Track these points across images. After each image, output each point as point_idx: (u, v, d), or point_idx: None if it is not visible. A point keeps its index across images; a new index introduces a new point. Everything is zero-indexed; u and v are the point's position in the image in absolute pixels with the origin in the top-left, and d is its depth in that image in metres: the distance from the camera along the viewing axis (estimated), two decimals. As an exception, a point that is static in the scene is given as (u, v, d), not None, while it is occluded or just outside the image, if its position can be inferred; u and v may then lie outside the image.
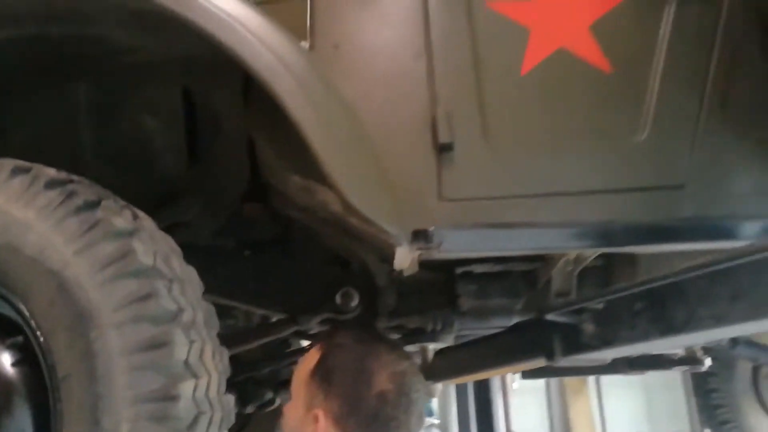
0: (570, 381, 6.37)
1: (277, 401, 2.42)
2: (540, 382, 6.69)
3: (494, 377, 3.60)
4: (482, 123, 1.48)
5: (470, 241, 1.43)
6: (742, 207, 1.45)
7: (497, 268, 1.70)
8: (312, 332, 2.05)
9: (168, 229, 1.27)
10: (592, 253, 1.63)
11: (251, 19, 1.27)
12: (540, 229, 1.44)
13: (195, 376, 0.98)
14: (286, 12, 1.59)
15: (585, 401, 6.57)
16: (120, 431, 0.93)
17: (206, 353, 1.03)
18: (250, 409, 2.38)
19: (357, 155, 1.31)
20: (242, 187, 1.73)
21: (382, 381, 1.46)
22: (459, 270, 1.69)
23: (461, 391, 3.72)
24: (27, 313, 1.02)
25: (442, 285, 1.74)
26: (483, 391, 3.58)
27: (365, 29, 1.57)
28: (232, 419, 1.11)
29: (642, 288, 1.43)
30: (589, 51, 1.53)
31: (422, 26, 1.54)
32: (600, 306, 1.57)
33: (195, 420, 0.98)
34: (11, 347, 1.04)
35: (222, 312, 1.43)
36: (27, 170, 1.12)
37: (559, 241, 1.48)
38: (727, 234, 1.45)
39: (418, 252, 1.37)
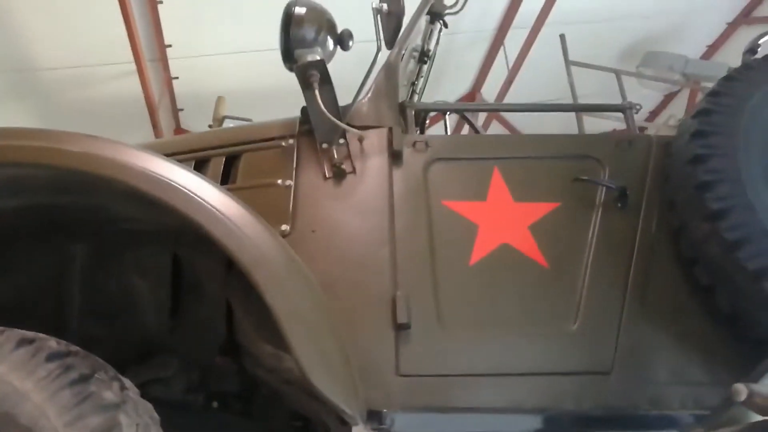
0: None
1: None
2: None
3: None
4: (436, 306, 1.69)
5: (420, 423, 1.57)
6: (662, 395, 1.63)
7: None
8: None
9: (143, 384, 1.38)
10: None
11: (236, 211, 1.47)
12: (484, 415, 1.60)
13: None
14: (272, 197, 1.84)
15: None
16: None
17: None
18: None
19: (323, 339, 1.48)
20: (218, 346, 1.87)
21: None
22: None
23: None
24: None
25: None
26: None
27: (340, 217, 1.81)
28: None
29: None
30: (529, 247, 1.78)
31: (388, 218, 1.79)
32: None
33: None
34: None
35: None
36: (31, 341, 1.26)
37: (500, 426, 1.63)
38: (648, 425, 1.61)
39: (373, 431, 1.51)
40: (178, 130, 6.48)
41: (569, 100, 5.16)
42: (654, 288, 1.74)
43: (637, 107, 2.07)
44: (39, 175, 1.54)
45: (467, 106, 2.59)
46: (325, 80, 1.80)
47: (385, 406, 1.54)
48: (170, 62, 5.75)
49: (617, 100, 5.65)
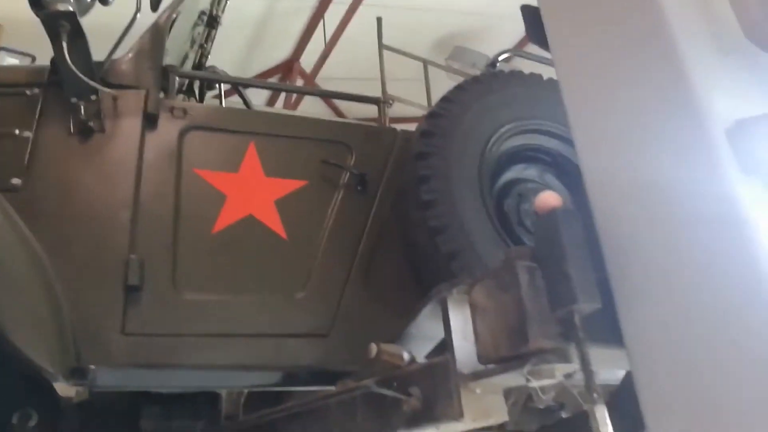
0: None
1: None
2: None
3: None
4: (172, 270, 1.76)
5: (123, 378, 1.64)
6: None
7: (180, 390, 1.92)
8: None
9: None
10: None
11: None
12: (204, 371, 1.72)
13: None
14: (6, 147, 1.75)
15: None
16: None
17: None
18: None
19: (30, 297, 1.48)
20: None
21: None
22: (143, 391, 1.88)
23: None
24: None
25: (126, 407, 1.90)
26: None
27: (81, 176, 1.78)
28: None
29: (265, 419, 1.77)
30: (272, 220, 1.92)
31: (134, 181, 1.81)
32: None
33: None
34: None
35: None
36: None
37: (220, 381, 1.75)
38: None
39: (76, 386, 1.55)
40: (-55, 53, 5.62)
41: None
42: (377, 264, 1.98)
43: (390, 102, 2.30)
44: None
45: (234, 79, 2.65)
46: (77, 33, 1.74)
47: (104, 362, 1.58)
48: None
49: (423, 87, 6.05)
